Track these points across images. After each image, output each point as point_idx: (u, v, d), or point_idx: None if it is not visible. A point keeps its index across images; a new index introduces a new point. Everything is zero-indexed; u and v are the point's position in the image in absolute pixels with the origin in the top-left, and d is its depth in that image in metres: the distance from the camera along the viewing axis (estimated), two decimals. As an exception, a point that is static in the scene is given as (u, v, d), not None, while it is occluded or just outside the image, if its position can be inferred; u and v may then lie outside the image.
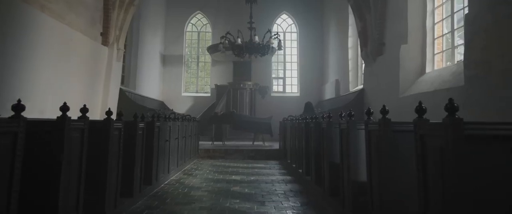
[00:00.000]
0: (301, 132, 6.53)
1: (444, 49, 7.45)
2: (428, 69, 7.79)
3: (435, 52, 7.69)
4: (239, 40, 9.85)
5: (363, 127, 3.45)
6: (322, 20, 16.33)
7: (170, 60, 16.37)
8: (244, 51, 10.01)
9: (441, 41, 7.64)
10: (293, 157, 7.98)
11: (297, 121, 7.18)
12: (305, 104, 9.97)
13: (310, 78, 16.30)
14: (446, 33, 7.38)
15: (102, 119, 3.77)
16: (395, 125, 2.76)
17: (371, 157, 3.05)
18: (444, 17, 7.45)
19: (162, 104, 15.57)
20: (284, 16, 16.72)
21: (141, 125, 4.57)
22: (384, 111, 2.81)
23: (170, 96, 16.10)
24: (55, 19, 6.90)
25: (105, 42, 9.30)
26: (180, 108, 15.53)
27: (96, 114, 9.24)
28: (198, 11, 16.56)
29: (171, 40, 16.38)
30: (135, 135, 4.30)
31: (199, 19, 16.87)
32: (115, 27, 9.49)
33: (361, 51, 10.31)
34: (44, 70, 6.71)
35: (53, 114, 6.02)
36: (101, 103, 9.43)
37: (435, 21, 7.69)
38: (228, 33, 9.80)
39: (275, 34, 9.87)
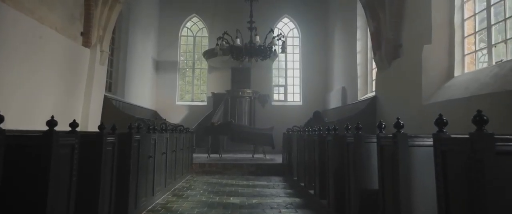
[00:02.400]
0: (313, 146, 5.45)
1: (477, 48, 6.40)
2: (456, 72, 6.74)
3: (465, 53, 6.64)
4: (238, 41, 8.77)
5: (421, 142, 2.38)
6: (327, 23, 15.32)
7: (163, 66, 15.29)
8: (243, 54, 8.93)
9: (471, 41, 6.61)
10: (301, 174, 6.88)
11: (307, 133, 6.09)
12: (313, 113, 8.90)
13: (313, 86, 15.24)
14: (480, 30, 6.34)
15: (68, 132, 2.72)
16: (504, 142, 1.67)
17: (447, 188, 1.96)
18: (477, 12, 6.41)
19: (155, 113, 14.47)
20: (285, 19, 15.70)
21: (111, 138, 3.48)
22: (480, 120, 1.70)
23: (163, 105, 14.99)
24: (20, 12, 5.82)
25: (86, 43, 8.22)
26: (175, 118, 14.44)
27: (75, 124, 8.14)
28: (194, 14, 15.53)
29: (165, 45, 15.31)
30: (101, 153, 3.21)
31: (195, 23, 15.83)
32: (98, 27, 8.43)
33: (374, 55, 9.27)
34: (6, 72, 5.62)
35: (19, 124, 4.89)
36: (82, 112, 8.34)
37: (465, 17, 6.66)
38: (225, 33, 8.73)
39: (278, 35, 8.80)
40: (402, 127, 2.58)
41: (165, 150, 6.01)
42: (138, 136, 4.41)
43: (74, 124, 2.77)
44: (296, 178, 7.41)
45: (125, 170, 4.01)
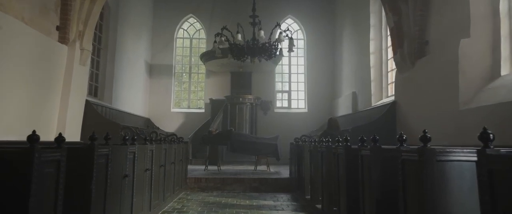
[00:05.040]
0: (336, 161, 4.28)
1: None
2: (504, 70, 5.60)
3: (515, 47, 5.52)
4: (239, 36, 7.60)
5: None
6: (334, 23, 14.20)
7: (157, 70, 14.13)
8: (245, 53, 7.77)
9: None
10: (316, 192, 5.72)
11: (326, 144, 4.92)
12: (328, 121, 7.72)
13: (320, 91, 14.07)
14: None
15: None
16: None
17: None
18: (530, -4, 5.30)
19: (147, 121, 13.31)
20: (289, 20, 14.55)
21: (52, 155, 2.31)
22: None
23: (157, 113, 13.82)
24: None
25: (63, 39, 7.08)
26: (170, 126, 13.29)
27: (50, 133, 6.97)
28: (190, 15, 14.40)
29: (159, 47, 14.16)
30: (30, 178, 2.04)
31: (192, 24, 14.69)
32: (77, 21, 7.29)
33: (394, 54, 8.14)
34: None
35: None
36: (58, 120, 7.16)
37: (513, 4, 5.55)
38: (224, 28, 7.57)
39: (286, 30, 7.65)
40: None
41: (150, 165, 4.84)
42: (106, 150, 3.24)
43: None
44: (309, 196, 6.23)
45: (83, 197, 2.84)
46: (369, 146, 3.21)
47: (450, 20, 6.44)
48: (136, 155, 4.12)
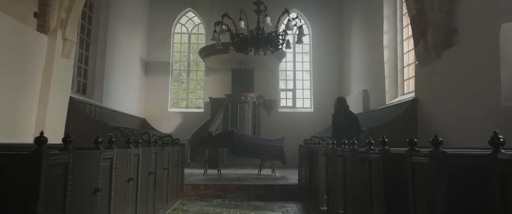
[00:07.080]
0: (367, 169, 3.39)
1: None
2: (557, 59, 4.74)
3: None
4: (242, 24, 6.72)
5: None
6: (342, 17, 13.34)
7: (154, 68, 13.24)
8: (249, 43, 6.89)
9: None
10: (335, 203, 4.83)
11: (351, 148, 4.03)
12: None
13: (326, 90, 13.15)
14: None
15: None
16: None
17: None
18: None
19: (143, 122, 12.44)
20: (293, 14, 13.61)
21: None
22: None
23: (153, 113, 12.93)
24: None
25: (42, 27, 6.23)
26: (167, 127, 12.44)
27: (26, 135, 6.10)
28: (189, 9, 13.52)
29: (155, 43, 13.27)
30: None
31: (190, 18, 13.81)
32: (59, 7, 6.42)
33: (416, 45, 7.27)
34: None
35: None
36: (37, 119, 6.29)
37: None
38: (225, 15, 6.70)
39: (294, 18, 6.79)
40: None
41: (135, 173, 3.96)
42: (65, 157, 2.37)
43: None
44: (325, 207, 5.35)
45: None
46: (428, 152, 2.33)
47: (486, 2, 5.59)
48: (114, 162, 3.25)
